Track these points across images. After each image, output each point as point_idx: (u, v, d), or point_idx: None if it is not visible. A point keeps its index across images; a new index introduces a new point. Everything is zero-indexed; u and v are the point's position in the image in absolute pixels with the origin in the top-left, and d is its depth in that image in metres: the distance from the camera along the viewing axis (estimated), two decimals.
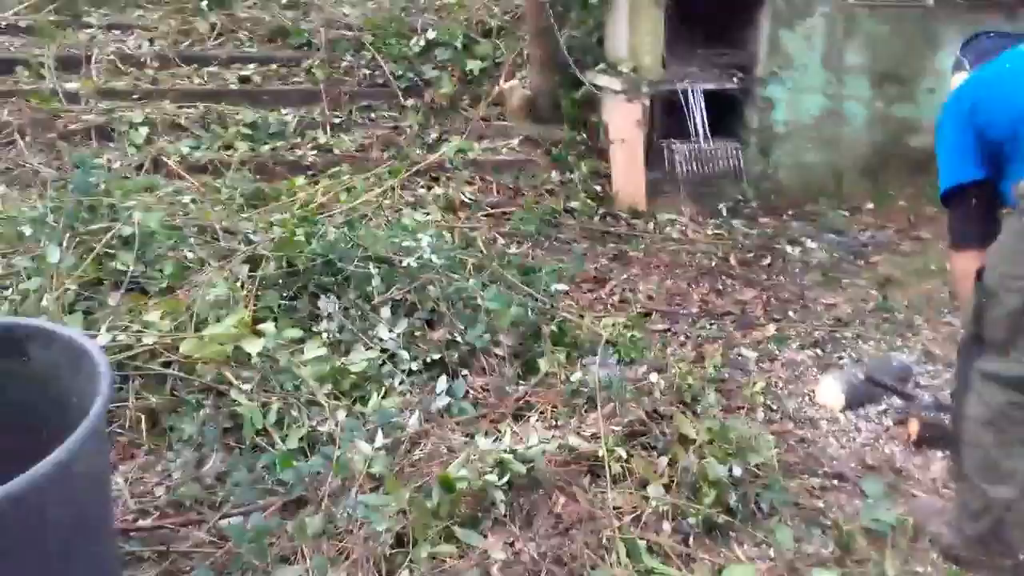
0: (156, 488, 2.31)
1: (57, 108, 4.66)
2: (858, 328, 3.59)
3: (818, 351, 3.39)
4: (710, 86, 5.10)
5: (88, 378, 1.87)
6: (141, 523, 2.17)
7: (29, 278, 2.96)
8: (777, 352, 3.36)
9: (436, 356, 2.87)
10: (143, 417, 2.54)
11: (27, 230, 3.24)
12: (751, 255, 4.38)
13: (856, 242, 4.60)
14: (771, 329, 3.56)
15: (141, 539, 2.12)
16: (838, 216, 4.98)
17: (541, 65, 5.24)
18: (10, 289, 2.92)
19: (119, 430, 2.51)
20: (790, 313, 3.75)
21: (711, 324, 3.59)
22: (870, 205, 5.20)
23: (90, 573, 1.82)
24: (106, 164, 4.19)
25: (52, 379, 2.00)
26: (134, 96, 4.87)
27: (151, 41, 5.27)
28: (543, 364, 2.94)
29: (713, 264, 4.24)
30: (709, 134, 5.05)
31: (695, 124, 5.02)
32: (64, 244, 3.12)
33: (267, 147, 4.75)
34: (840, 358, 3.33)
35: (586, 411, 2.63)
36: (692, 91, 5.03)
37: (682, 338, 3.46)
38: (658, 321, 3.59)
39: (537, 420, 2.62)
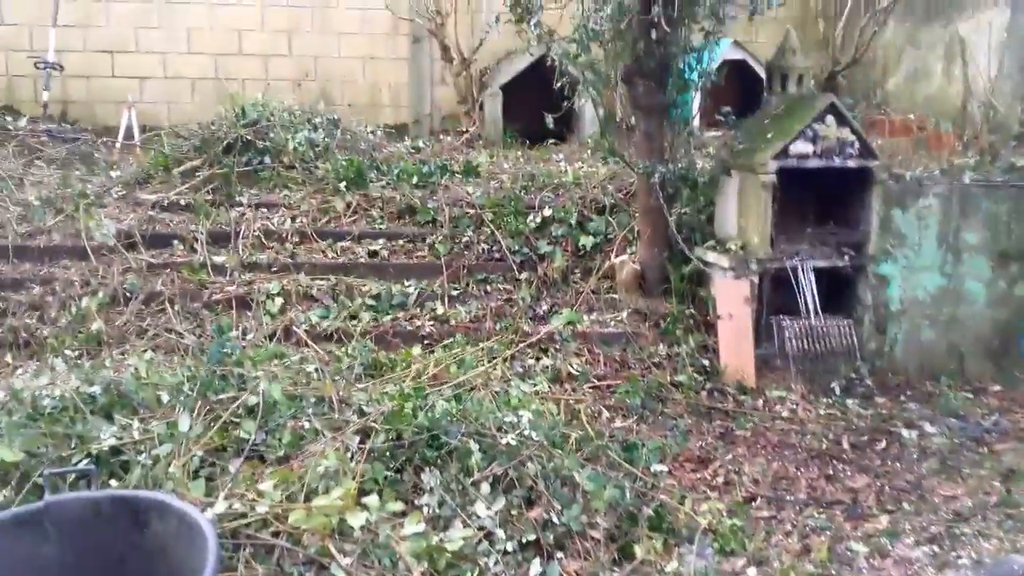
0: None
1: (204, 279, 5.14)
2: (979, 524, 3.40)
3: (935, 548, 3.22)
4: (821, 263, 5.13)
5: (200, 552, 2.02)
6: None
7: (161, 444, 3.21)
8: (890, 548, 3.21)
9: (532, 537, 2.91)
10: None
11: (164, 397, 3.54)
12: (864, 438, 4.25)
13: (978, 428, 4.39)
14: (884, 521, 3.41)
15: None
16: (959, 398, 4.79)
17: (650, 241, 5.42)
18: (144, 454, 3.17)
19: None
20: (905, 504, 3.59)
21: (819, 513, 3.48)
22: (996, 388, 4.98)
23: None
24: (240, 333, 4.54)
25: (167, 551, 2.16)
26: (273, 269, 5.32)
27: (293, 218, 5.79)
28: (639, 551, 2.92)
29: (824, 446, 4.14)
30: (820, 311, 5.03)
31: (806, 301, 5.03)
32: (195, 411, 3.39)
33: (388, 317, 5.05)
34: (959, 557, 3.15)
35: None
36: (802, 268, 5.06)
37: (787, 527, 3.36)
38: (762, 507, 3.51)
39: None
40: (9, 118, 7.77)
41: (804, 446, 4.13)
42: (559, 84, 5.56)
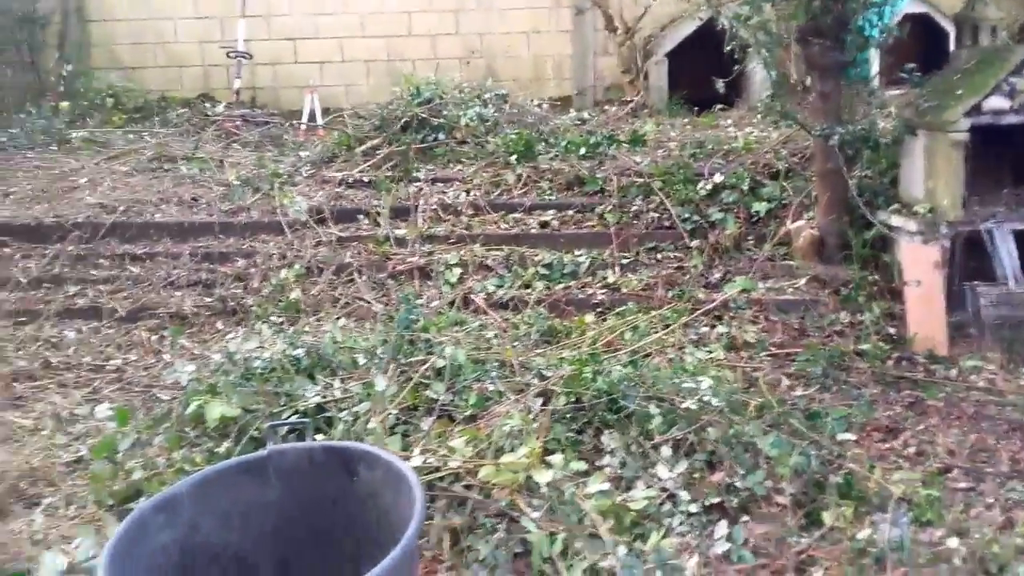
0: None
1: (388, 251, 5.43)
2: None
3: None
4: (1020, 226, 4.77)
5: (405, 499, 2.16)
6: None
7: (360, 402, 3.45)
8: None
9: (715, 500, 2.92)
10: (446, 535, 2.84)
11: (360, 359, 3.80)
12: None
13: None
14: None
15: None
16: None
17: (829, 205, 5.22)
18: (345, 411, 3.42)
19: (424, 545, 2.82)
20: None
21: (1023, 486, 3.28)
22: None
23: None
24: (425, 301, 4.78)
25: (375, 497, 2.33)
26: (450, 240, 5.54)
27: (467, 192, 6.00)
28: (827, 517, 2.87)
29: None
30: (1021, 277, 4.69)
31: (1003, 265, 4.70)
32: (389, 373, 3.61)
33: (561, 286, 5.15)
34: None
35: (875, 573, 2.54)
36: (999, 231, 4.73)
37: (988, 500, 3.19)
38: (959, 479, 3.35)
39: None
40: (208, 105, 8.46)
41: (1004, 418, 3.88)
42: (729, 48, 5.44)
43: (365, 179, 6.20)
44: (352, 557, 2.31)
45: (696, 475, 3.03)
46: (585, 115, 7.97)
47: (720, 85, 5.67)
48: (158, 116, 8.15)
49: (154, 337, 4.90)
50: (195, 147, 7.01)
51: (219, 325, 4.99)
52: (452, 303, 4.92)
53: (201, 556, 2.22)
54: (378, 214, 5.76)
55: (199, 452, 3.29)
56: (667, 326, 4.51)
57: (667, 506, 2.90)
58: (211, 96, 8.98)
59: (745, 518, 2.87)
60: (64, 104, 8.13)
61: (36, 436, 3.84)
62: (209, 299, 5.18)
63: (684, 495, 2.92)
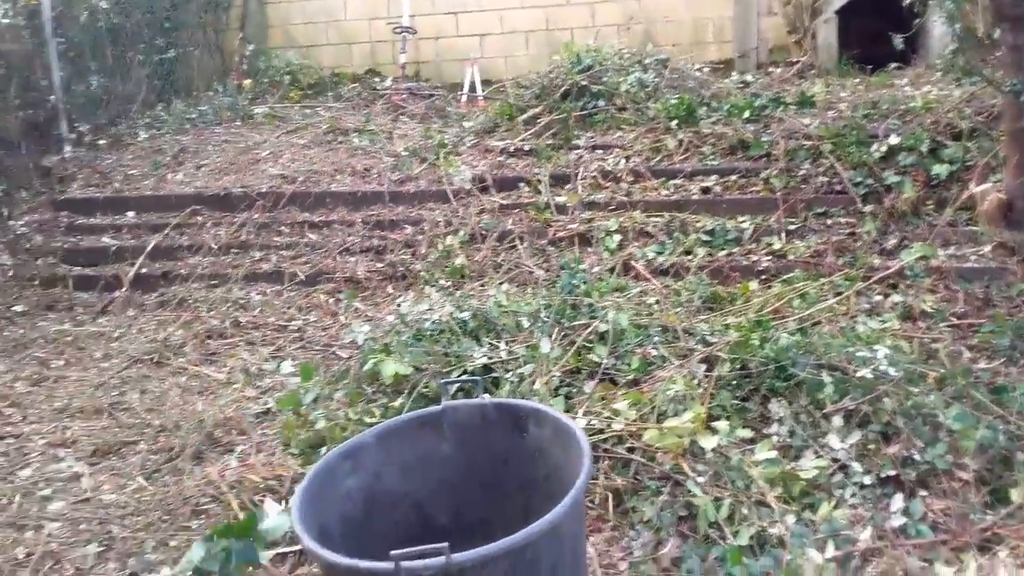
0: (619, 562, 2.61)
1: (548, 218, 5.49)
2: None
3: None
4: None
5: (573, 455, 2.22)
6: None
7: (524, 364, 3.54)
8: None
9: (891, 472, 2.82)
10: (609, 495, 2.89)
11: (525, 322, 3.89)
12: None
13: None
14: None
15: None
16: None
17: (1019, 167, 4.82)
18: (510, 372, 3.52)
19: (589, 504, 2.88)
20: None
21: None
22: None
23: None
24: (587, 267, 4.82)
25: (544, 453, 2.40)
26: (610, 207, 5.54)
27: (627, 158, 5.96)
28: (1015, 494, 2.71)
29: None
30: None
31: None
32: (552, 337, 3.68)
33: (723, 252, 5.05)
34: None
35: None
36: None
37: None
38: None
39: (1008, 556, 2.43)
40: (376, 79, 8.81)
41: None
42: (907, 1, 5.10)
43: (526, 148, 6.28)
44: (523, 508, 2.39)
45: (870, 447, 2.92)
46: (748, 78, 7.71)
47: (898, 41, 5.33)
48: (331, 91, 8.57)
49: (331, 300, 5.20)
50: (366, 120, 7.33)
51: (389, 289, 5.23)
52: (612, 269, 4.93)
53: (383, 502, 2.37)
54: (539, 182, 5.83)
55: (376, 407, 3.49)
56: (838, 294, 4.34)
57: (838, 477, 2.82)
58: (378, 71, 9.33)
59: (923, 492, 2.75)
60: (247, 82, 8.69)
61: (228, 389, 4.18)
62: (380, 264, 5.43)
63: (857, 466, 2.83)
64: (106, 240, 6.01)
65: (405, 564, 1.76)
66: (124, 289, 5.53)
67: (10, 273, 5.80)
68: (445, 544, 1.75)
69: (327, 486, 2.22)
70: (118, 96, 7.77)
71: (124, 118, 7.73)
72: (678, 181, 5.73)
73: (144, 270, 5.67)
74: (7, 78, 6.51)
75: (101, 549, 2.98)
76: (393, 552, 1.76)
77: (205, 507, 3.16)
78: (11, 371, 4.61)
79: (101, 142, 7.25)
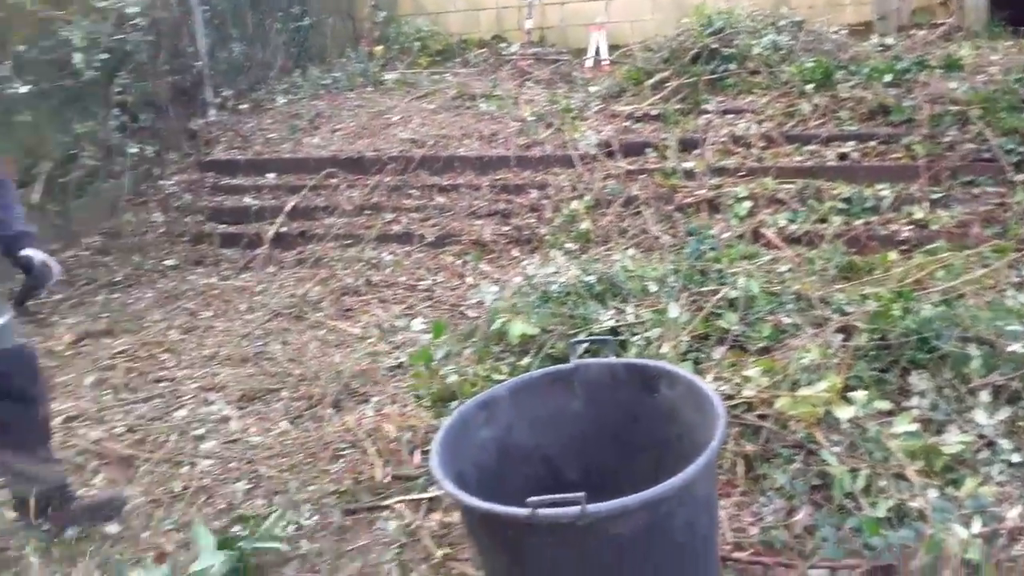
0: (750, 527, 2.59)
1: (675, 183, 5.42)
2: None
3: None
4: None
5: (705, 417, 2.21)
6: (736, 555, 2.47)
7: (652, 328, 3.53)
8: None
9: None
10: (739, 461, 2.87)
11: (652, 287, 3.87)
12: None
13: None
14: None
15: (736, 569, 2.41)
16: None
17: None
18: (637, 336, 3.52)
19: (719, 469, 2.87)
20: None
21: None
22: None
23: (698, 574, 2.15)
24: (716, 233, 4.74)
25: (675, 415, 2.40)
26: (740, 173, 5.41)
27: (759, 123, 5.80)
28: None
29: None
30: None
31: None
32: (680, 302, 3.66)
33: (860, 221, 4.87)
34: None
35: None
36: None
37: None
38: None
39: None
40: (502, 45, 8.86)
41: None
42: None
43: (653, 112, 6.20)
44: (654, 467, 2.41)
45: (1020, 423, 2.79)
46: (889, 40, 7.31)
47: None
48: (458, 57, 8.68)
49: (458, 262, 5.32)
50: (492, 85, 7.39)
51: (515, 252, 5.30)
52: (741, 236, 4.83)
53: (515, 454, 2.43)
54: (666, 147, 5.75)
55: (503, 364, 3.57)
56: (985, 266, 4.13)
57: (984, 454, 2.71)
58: (504, 37, 9.36)
59: None
60: (378, 49, 8.89)
61: (363, 343, 4.36)
62: (506, 228, 5.51)
63: (1005, 443, 2.71)
64: (248, 200, 6.31)
65: (541, 511, 1.81)
66: (265, 247, 5.82)
67: (162, 230, 6.18)
68: (582, 494, 1.79)
69: (463, 435, 2.30)
70: (257, 62, 8.09)
71: (263, 84, 8.06)
72: (813, 147, 5.54)
73: (283, 229, 5.94)
74: (157, 45, 6.87)
75: (249, 487, 3.19)
76: (529, 499, 1.81)
77: (344, 452, 3.32)
78: (165, 320, 4.94)
79: (242, 107, 7.59)
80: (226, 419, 3.71)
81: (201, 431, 3.64)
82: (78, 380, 4.20)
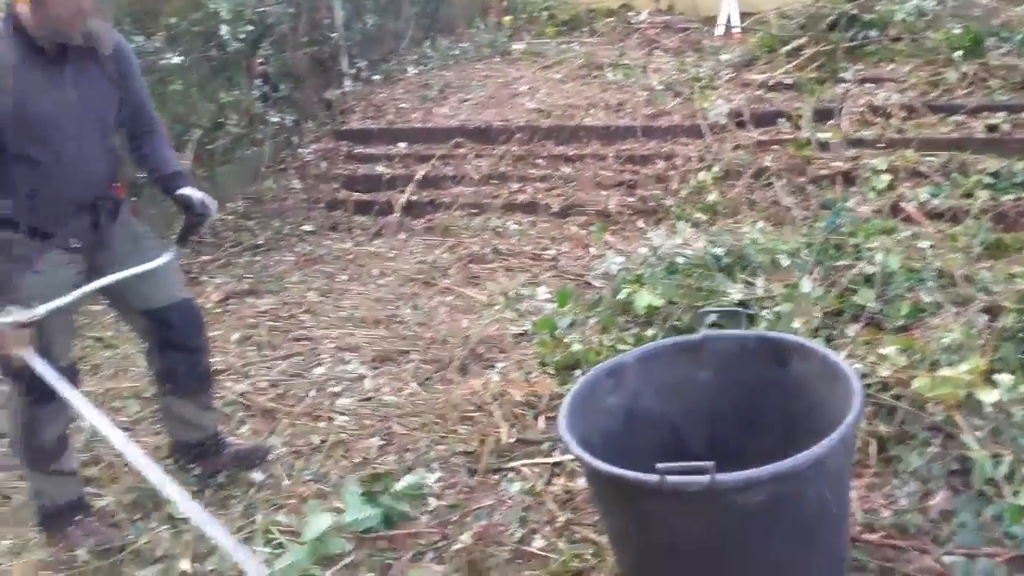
0: (882, 509, 2.54)
1: (809, 155, 5.26)
2: None
3: None
4: None
5: (838, 393, 2.17)
6: (867, 536, 2.43)
7: (782, 303, 3.47)
8: None
9: None
10: (872, 442, 2.80)
11: (783, 260, 3.79)
12: None
13: None
14: None
15: (866, 550, 2.37)
16: None
17: None
18: (766, 310, 3.46)
19: None
20: None
21: None
22: None
23: (827, 552, 2.13)
24: (853, 206, 4.59)
25: (807, 390, 2.36)
26: (879, 144, 5.20)
27: (900, 92, 5.54)
28: None
29: None
30: None
31: None
32: (813, 276, 3.57)
33: (1010, 197, 4.60)
34: None
35: None
36: None
37: None
38: None
39: None
40: (631, 13, 8.75)
41: None
42: None
43: (787, 81, 6.02)
44: (782, 442, 2.39)
45: None
46: None
47: None
48: (586, 26, 8.63)
49: (582, 232, 5.35)
50: (620, 54, 7.33)
51: (640, 223, 5.29)
52: (879, 210, 4.65)
53: (641, 422, 2.45)
54: (800, 117, 5.57)
55: (628, 335, 3.58)
56: None
57: None
58: (632, 5, 9.23)
59: None
60: (506, 19, 8.96)
61: (489, 310, 4.46)
62: (631, 199, 5.50)
63: None
64: (380, 168, 6.51)
65: (670, 478, 1.83)
66: (396, 214, 6.01)
67: (300, 196, 6.48)
68: (711, 463, 1.80)
69: (591, 400, 2.34)
70: (390, 34, 8.30)
71: (395, 55, 8.26)
72: (959, 118, 5.27)
73: (414, 197, 6.11)
74: (297, 16, 7.14)
75: (382, 443, 3.34)
76: (659, 465, 1.83)
77: (471, 415, 3.43)
78: (303, 282, 5.20)
79: (375, 77, 7.81)
80: (361, 378, 3.88)
81: (337, 388, 3.82)
82: (225, 336, 4.47)
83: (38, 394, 2.63)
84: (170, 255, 2.88)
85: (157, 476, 2.15)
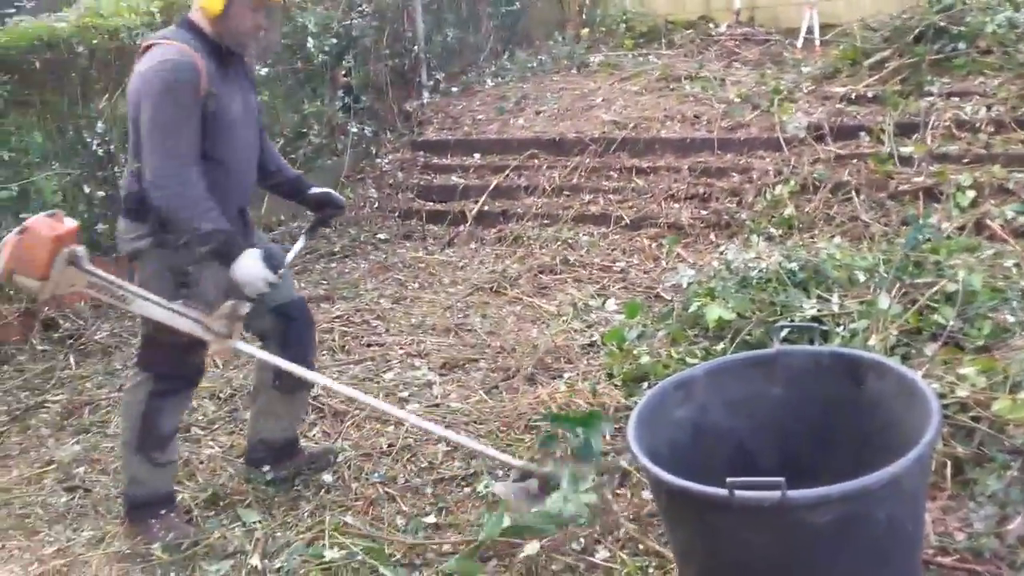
0: (956, 532, 2.46)
1: (891, 170, 5.14)
2: None
3: None
4: None
5: (915, 413, 2.11)
6: (940, 559, 2.36)
7: (858, 319, 3.40)
8: None
9: None
10: (948, 463, 2.72)
11: (860, 276, 3.71)
12: None
13: None
14: None
15: (939, 573, 2.30)
16: None
17: None
18: (841, 326, 3.40)
19: None
20: None
21: None
22: None
23: (898, 573, 2.07)
24: (936, 223, 4.46)
25: (882, 408, 2.31)
26: (964, 160, 5.05)
27: (989, 107, 5.36)
28: None
29: None
30: None
31: None
32: (892, 293, 3.49)
33: None
34: None
35: None
36: None
37: None
38: None
39: None
40: (710, 25, 8.68)
41: None
42: None
43: (869, 94, 5.88)
44: (854, 460, 2.34)
45: None
46: None
47: None
48: (664, 39, 8.58)
49: (654, 244, 5.33)
50: (698, 67, 7.27)
51: (712, 237, 5.24)
52: (962, 228, 4.51)
53: (709, 435, 2.43)
54: (882, 131, 5.45)
55: (697, 348, 3.56)
56: None
57: None
58: (711, 18, 9.15)
59: None
60: (583, 31, 8.98)
61: (558, 320, 4.48)
62: (704, 212, 5.45)
63: None
64: (455, 179, 6.61)
65: (739, 493, 1.81)
66: (468, 224, 6.09)
67: (376, 205, 6.61)
68: (781, 479, 1.78)
69: (659, 413, 2.33)
70: (469, 46, 8.41)
71: (473, 67, 8.36)
72: None
73: (486, 208, 6.18)
74: (381, 30, 7.30)
75: (449, 449, 3.38)
76: (729, 479, 1.82)
77: (536, 424, 3.45)
78: (376, 289, 5.30)
79: (453, 89, 7.92)
80: (429, 384, 3.94)
81: (406, 394, 3.89)
82: None
83: (167, 386, 2.82)
84: (302, 242, 3.24)
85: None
